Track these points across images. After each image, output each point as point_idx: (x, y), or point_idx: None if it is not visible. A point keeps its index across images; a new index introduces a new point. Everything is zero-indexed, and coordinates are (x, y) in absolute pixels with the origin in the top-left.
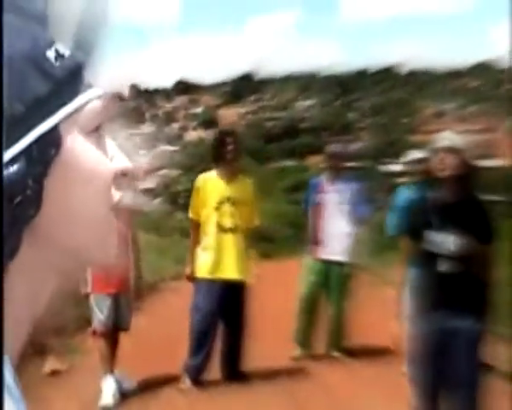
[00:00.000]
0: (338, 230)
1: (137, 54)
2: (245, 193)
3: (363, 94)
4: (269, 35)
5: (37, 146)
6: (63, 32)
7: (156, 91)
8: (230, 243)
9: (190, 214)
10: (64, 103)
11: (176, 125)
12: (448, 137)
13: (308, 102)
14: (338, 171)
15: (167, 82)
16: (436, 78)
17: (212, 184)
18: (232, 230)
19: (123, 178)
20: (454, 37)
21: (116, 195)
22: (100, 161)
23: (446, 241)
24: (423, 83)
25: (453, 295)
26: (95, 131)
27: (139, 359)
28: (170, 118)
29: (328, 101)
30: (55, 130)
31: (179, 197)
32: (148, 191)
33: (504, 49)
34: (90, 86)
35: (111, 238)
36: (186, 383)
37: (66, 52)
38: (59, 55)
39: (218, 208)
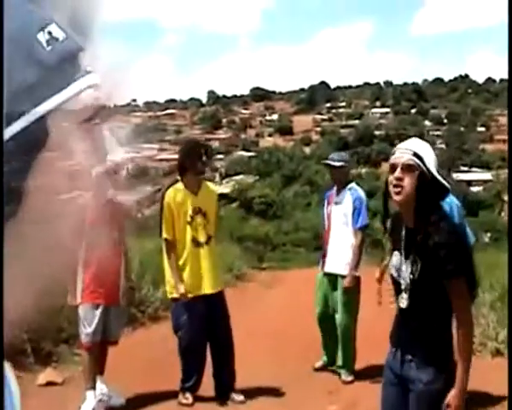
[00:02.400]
0: (341, 242)
1: (217, 61)
2: (212, 201)
3: (439, 102)
4: (343, 44)
5: (23, 137)
6: (59, 12)
7: (233, 98)
8: (206, 256)
9: (164, 235)
10: (55, 92)
11: (252, 132)
12: (407, 149)
13: (383, 110)
14: (340, 182)
15: (244, 89)
16: None
17: (181, 197)
18: (206, 243)
19: (114, 175)
20: None
21: (105, 193)
22: (88, 157)
23: (405, 269)
24: (500, 91)
25: (408, 336)
26: (88, 122)
27: (136, 373)
28: (246, 124)
29: (403, 108)
30: (41, 120)
31: (254, 203)
32: (223, 196)
33: None
34: (86, 73)
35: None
36: (187, 397)
37: (61, 35)
38: (52, 38)
39: (191, 222)
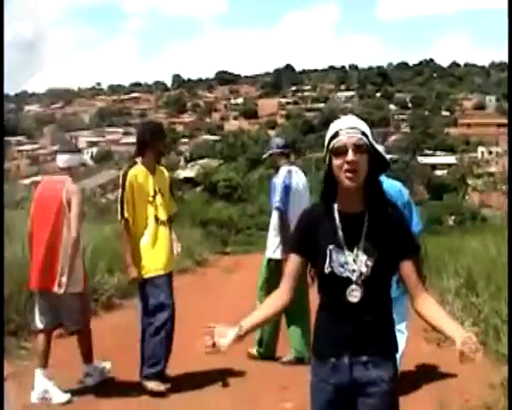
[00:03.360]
0: (271, 225)
1: (182, 44)
2: (166, 182)
3: (404, 85)
4: (309, 28)
5: None
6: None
7: (198, 81)
8: (166, 234)
9: (125, 214)
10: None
11: (217, 115)
12: (353, 128)
13: (348, 94)
14: (272, 165)
15: (209, 73)
16: (477, 70)
17: (142, 177)
18: (165, 221)
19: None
20: (496, 30)
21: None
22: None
23: (355, 260)
24: (464, 75)
25: (360, 334)
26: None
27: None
28: (211, 108)
29: (368, 92)
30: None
31: (219, 187)
32: (187, 180)
33: None
34: None
35: None
36: (159, 384)
37: None
38: None
39: (152, 202)
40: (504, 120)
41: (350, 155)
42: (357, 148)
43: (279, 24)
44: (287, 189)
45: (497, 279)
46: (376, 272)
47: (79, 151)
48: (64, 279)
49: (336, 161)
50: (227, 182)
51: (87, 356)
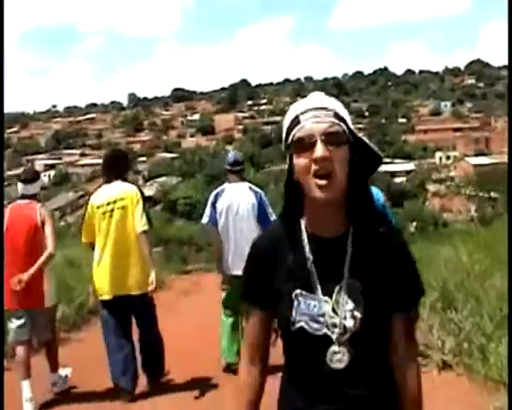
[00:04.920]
0: None
1: (137, 63)
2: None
3: (360, 95)
4: (263, 42)
5: None
6: None
7: (154, 99)
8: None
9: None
10: None
11: (174, 133)
12: (324, 105)
13: None
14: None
15: (165, 90)
16: (432, 76)
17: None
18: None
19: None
20: (450, 36)
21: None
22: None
23: (335, 310)
24: (419, 81)
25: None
26: None
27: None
28: (168, 125)
29: None
30: None
31: (178, 204)
32: (146, 199)
33: (499, 47)
34: None
35: None
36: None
37: None
38: None
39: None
40: (460, 125)
41: (319, 150)
42: (330, 137)
43: (233, 39)
44: (213, 206)
45: (475, 290)
46: (369, 326)
47: (39, 177)
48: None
49: (299, 161)
50: (186, 199)
51: (54, 366)
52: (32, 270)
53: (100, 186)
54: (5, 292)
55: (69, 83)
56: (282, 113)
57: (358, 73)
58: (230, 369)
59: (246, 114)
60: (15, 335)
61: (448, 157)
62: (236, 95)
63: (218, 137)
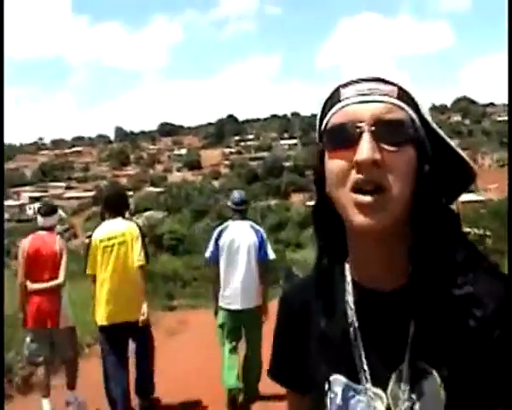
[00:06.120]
0: None
1: (125, 97)
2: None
3: None
4: (251, 78)
5: None
6: None
7: (141, 133)
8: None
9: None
10: None
11: (160, 167)
12: (381, 77)
13: (291, 141)
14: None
15: (152, 125)
16: None
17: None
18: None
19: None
20: (436, 73)
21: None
22: None
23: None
24: None
25: None
26: None
27: None
28: (154, 159)
29: (311, 139)
30: None
31: (164, 239)
32: None
33: (485, 84)
34: None
35: None
36: None
37: None
38: None
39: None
40: None
41: (365, 148)
42: (386, 129)
43: (221, 74)
44: (216, 242)
45: None
46: None
47: (57, 211)
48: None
49: (333, 164)
50: (172, 234)
51: (72, 384)
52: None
53: (99, 223)
54: (28, 313)
55: (56, 115)
56: (269, 148)
57: None
58: (232, 397)
59: (233, 150)
60: (28, 354)
61: None
62: (223, 130)
63: (204, 172)
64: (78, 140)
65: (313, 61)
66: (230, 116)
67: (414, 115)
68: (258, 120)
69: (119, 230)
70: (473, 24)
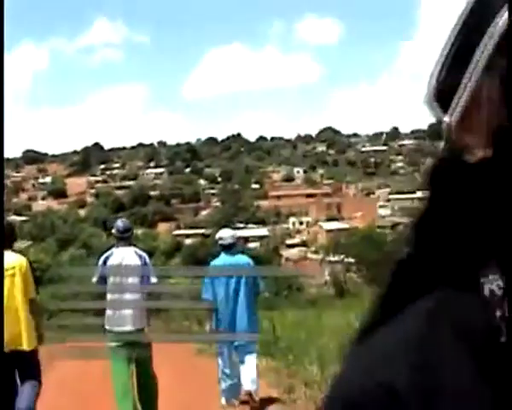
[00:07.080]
0: None
1: None
2: None
3: (213, 160)
4: (117, 106)
5: None
6: None
7: (5, 161)
8: None
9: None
10: None
11: (24, 195)
12: None
13: (157, 170)
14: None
15: (16, 152)
16: (284, 143)
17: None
18: None
19: None
20: (301, 104)
21: None
22: None
23: None
24: (272, 148)
25: None
26: None
27: None
28: (18, 188)
29: (178, 168)
30: None
31: None
32: None
33: (349, 115)
34: None
35: None
36: None
37: None
38: None
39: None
40: (313, 191)
41: None
42: None
43: (86, 102)
44: (102, 268)
45: None
46: None
47: None
48: None
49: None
50: (36, 264)
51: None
52: None
53: None
54: None
55: None
56: (135, 177)
57: (212, 139)
58: None
59: (98, 178)
60: None
61: (301, 222)
62: (89, 158)
63: (70, 201)
64: None
65: (180, 90)
66: (96, 144)
67: None
68: (124, 148)
69: (10, 263)
70: (339, 55)
